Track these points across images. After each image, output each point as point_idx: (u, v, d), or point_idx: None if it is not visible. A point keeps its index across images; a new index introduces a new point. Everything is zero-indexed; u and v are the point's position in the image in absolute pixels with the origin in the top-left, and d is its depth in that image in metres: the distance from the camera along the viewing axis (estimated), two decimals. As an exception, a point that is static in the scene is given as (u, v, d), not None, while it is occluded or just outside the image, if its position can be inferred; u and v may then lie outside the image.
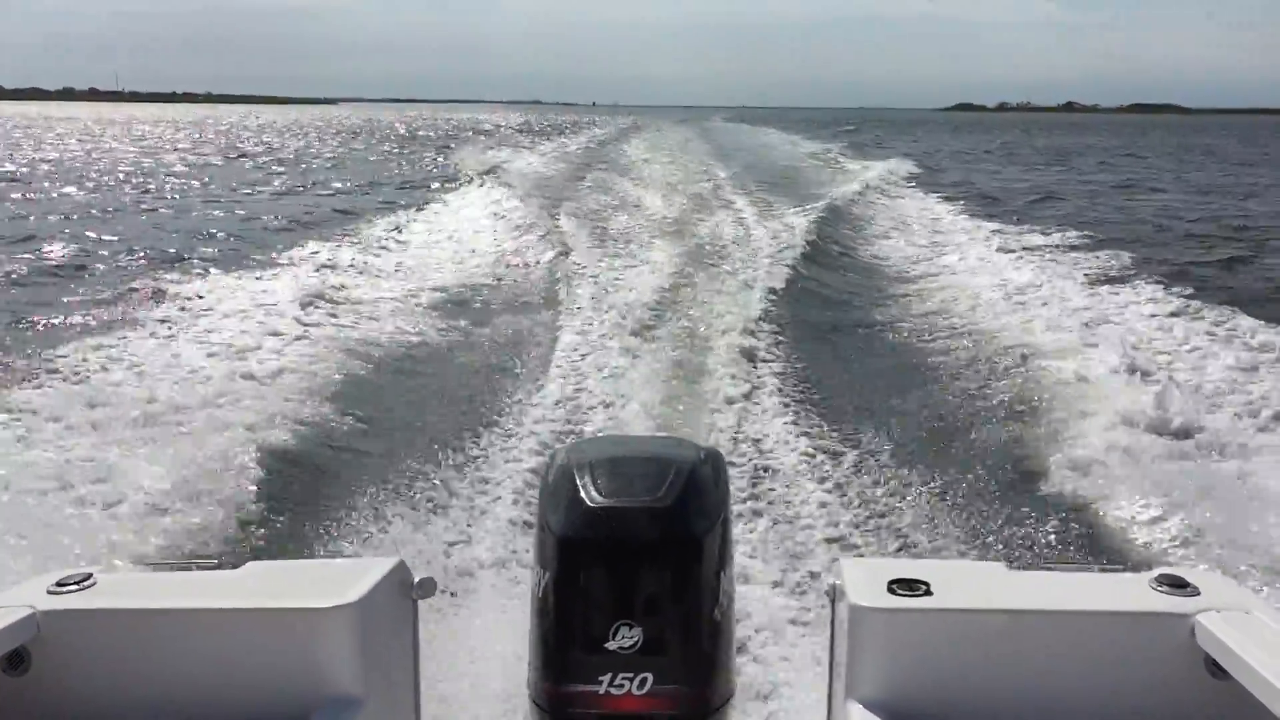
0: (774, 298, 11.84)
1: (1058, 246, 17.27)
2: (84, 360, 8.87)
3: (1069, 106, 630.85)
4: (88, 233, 19.60)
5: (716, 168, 33.47)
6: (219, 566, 2.60)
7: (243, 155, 48.23)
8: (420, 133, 72.10)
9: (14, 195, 27.25)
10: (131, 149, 52.47)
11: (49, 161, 41.19)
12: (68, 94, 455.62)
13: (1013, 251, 16.37)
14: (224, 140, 63.50)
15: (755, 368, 9.03)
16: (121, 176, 34.69)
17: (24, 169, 36.83)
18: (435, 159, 43.29)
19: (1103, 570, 2.57)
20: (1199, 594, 2.28)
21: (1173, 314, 11.33)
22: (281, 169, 39.07)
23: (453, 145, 50.70)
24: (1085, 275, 14.08)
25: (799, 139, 57.67)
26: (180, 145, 56.78)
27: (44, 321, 11.40)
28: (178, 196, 28.21)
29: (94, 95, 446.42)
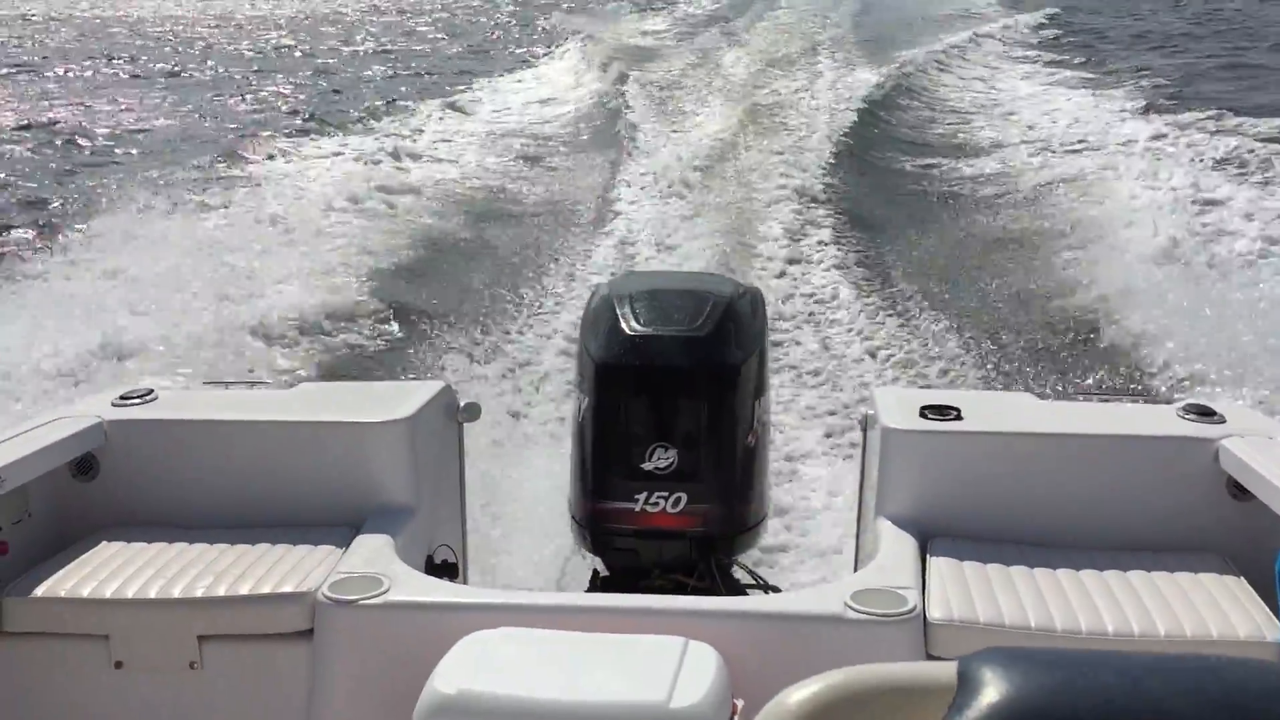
0: (836, 146, 11.57)
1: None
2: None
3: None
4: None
5: None
6: (273, 387, 2.78)
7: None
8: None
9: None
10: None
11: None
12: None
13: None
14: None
15: (807, 211, 8.97)
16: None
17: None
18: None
19: (1131, 401, 2.62)
20: (1224, 421, 2.33)
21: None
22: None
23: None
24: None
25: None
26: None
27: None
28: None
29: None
